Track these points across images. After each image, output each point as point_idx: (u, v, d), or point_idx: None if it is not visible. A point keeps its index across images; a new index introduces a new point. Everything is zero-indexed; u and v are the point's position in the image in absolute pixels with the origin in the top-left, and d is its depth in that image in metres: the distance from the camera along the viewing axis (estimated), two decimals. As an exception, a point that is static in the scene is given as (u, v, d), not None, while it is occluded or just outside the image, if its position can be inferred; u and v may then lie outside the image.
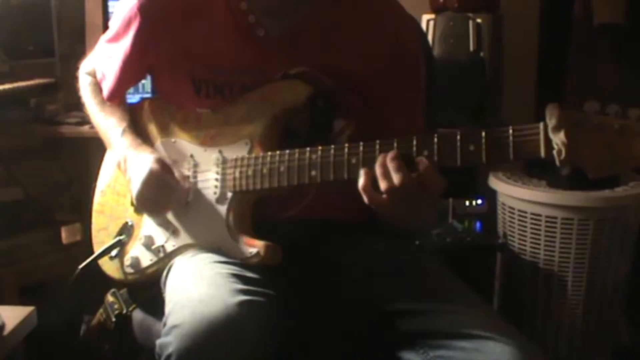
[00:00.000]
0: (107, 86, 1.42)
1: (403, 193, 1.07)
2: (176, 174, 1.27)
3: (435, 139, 1.06)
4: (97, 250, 1.39)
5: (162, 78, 1.38)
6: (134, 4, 1.32)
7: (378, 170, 1.09)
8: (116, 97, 1.43)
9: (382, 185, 1.08)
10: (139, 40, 1.33)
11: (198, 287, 1.11)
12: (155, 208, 1.29)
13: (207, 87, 1.30)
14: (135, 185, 1.26)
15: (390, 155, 1.08)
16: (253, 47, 1.28)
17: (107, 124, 1.40)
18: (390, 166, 1.07)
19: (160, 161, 1.27)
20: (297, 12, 1.28)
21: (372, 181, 1.10)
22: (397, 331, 1.15)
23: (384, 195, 1.09)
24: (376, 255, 1.26)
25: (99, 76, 1.45)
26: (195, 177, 1.29)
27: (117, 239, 1.36)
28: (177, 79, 1.32)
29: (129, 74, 1.40)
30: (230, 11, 1.28)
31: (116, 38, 1.39)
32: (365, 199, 1.11)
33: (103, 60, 1.44)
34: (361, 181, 1.10)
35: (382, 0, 1.34)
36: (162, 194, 1.26)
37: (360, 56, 1.28)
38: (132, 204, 1.37)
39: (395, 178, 1.07)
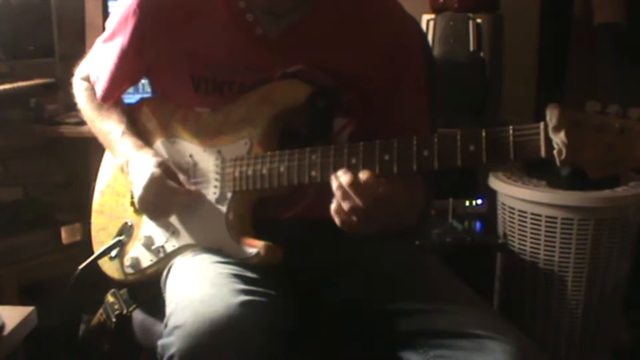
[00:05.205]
0: (100, 86, 1.41)
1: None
2: (180, 177, 1.27)
3: (436, 140, 1.06)
4: (97, 250, 1.39)
5: (161, 76, 1.38)
6: (132, 1, 1.32)
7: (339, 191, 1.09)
8: (110, 98, 1.42)
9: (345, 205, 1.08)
10: (137, 37, 1.32)
11: (199, 287, 1.11)
12: (158, 212, 1.29)
13: (206, 85, 1.29)
14: (137, 190, 1.26)
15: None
16: (251, 45, 1.28)
17: (106, 129, 1.39)
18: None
19: (162, 165, 1.26)
20: (296, 11, 1.28)
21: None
22: (397, 331, 1.15)
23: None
24: (376, 255, 1.26)
25: (92, 78, 1.44)
26: (194, 177, 1.29)
27: (117, 239, 1.37)
28: (175, 76, 1.32)
29: (124, 72, 1.38)
30: (229, 9, 1.28)
31: (112, 37, 1.38)
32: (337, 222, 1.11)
33: (98, 62, 1.43)
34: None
35: None
36: (164, 198, 1.25)
37: (360, 55, 1.28)
38: (131, 204, 1.37)
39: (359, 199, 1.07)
